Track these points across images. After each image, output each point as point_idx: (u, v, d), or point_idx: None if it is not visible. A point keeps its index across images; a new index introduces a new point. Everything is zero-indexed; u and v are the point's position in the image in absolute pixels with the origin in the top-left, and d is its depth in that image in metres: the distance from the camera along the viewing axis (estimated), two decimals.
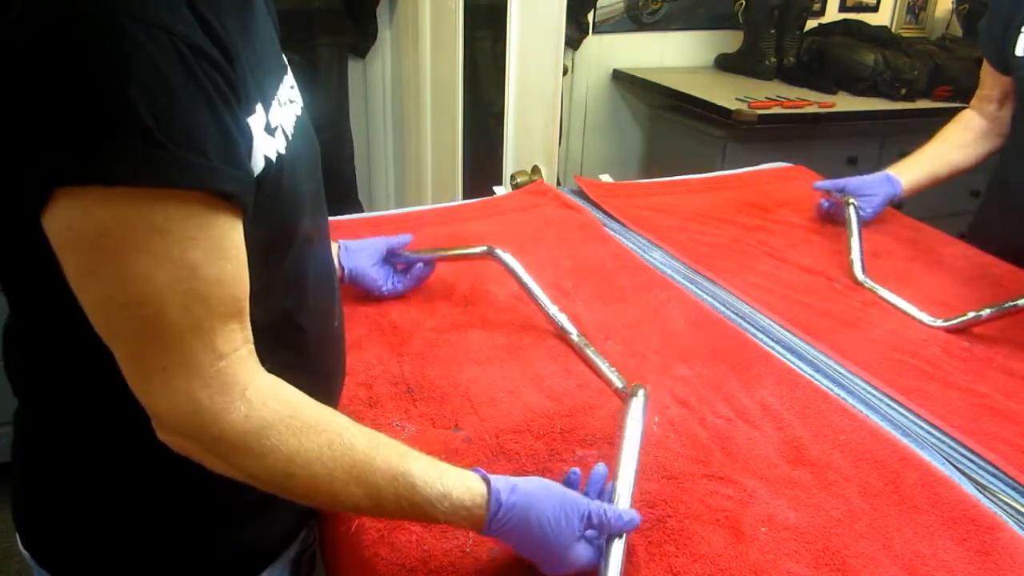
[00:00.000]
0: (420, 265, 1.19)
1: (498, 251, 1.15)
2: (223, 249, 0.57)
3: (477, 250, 1.16)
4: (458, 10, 1.93)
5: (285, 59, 0.76)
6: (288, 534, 0.81)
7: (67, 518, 0.72)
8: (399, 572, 0.73)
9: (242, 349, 0.60)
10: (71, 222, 0.53)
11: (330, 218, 0.85)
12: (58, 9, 0.50)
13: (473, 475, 0.68)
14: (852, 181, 1.48)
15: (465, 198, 1.76)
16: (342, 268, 1.12)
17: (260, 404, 0.60)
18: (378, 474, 0.64)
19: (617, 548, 0.70)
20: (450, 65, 2.03)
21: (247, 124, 0.59)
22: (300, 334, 0.75)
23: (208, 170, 0.54)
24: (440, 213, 1.52)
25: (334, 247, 1.11)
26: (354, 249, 1.14)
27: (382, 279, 1.16)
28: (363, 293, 1.15)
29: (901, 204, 1.71)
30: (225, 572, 0.76)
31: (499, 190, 1.72)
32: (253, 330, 0.70)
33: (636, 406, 0.88)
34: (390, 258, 1.18)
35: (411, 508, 0.65)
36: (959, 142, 1.49)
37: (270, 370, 0.64)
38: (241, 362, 0.60)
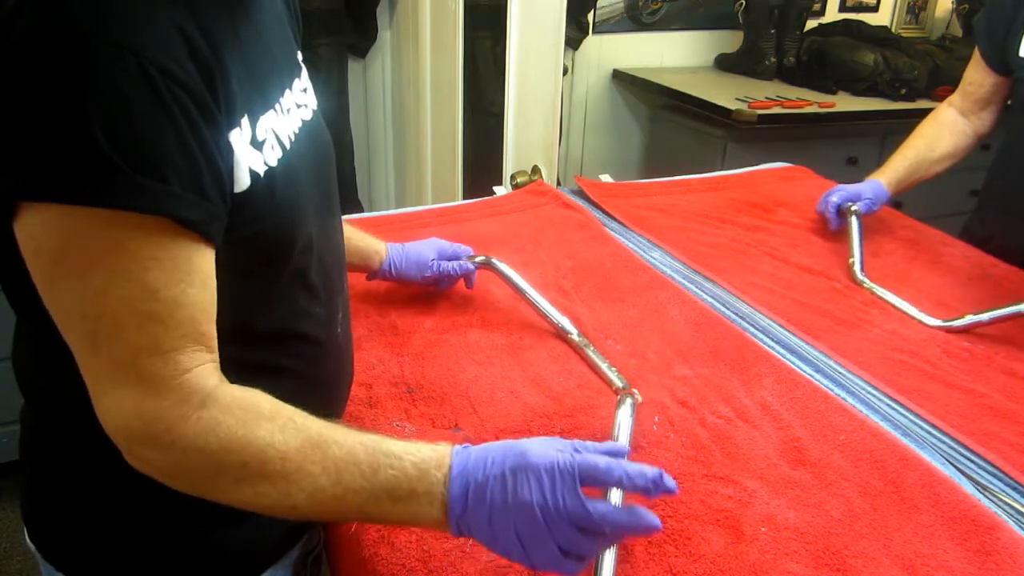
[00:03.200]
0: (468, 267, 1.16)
1: (495, 261, 1.15)
2: (184, 273, 0.57)
3: (475, 260, 1.16)
4: (458, 10, 1.93)
5: (300, 59, 0.75)
6: (291, 535, 0.81)
7: (73, 514, 0.73)
8: (399, 572, 0.73)
9: (206, 365, 0.59)
10: (34, 233, 0.54)
11: None
12: (33, 28, 0.52)
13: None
14: (848, 190, 1.47)
15: (465, 198, 1.76)
16: (389, 270, 1.11)
17: (214, 406, 0.59)
18: (335, 446, 0.60)
19: (609, 553, 0.70)
20: (450, 65, 2.03)
21: (227, 142, 0.59)
22: (303, 341, 0.75)
23: (168, 196, 0.54)
24: (440, 213, 1.52)
25: (384, 248, 1.11)
26: (408, 259, 1.13)
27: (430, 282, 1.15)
28: (363, 292, 1.15)
29: (901, 204, 1.72)
30: (227, 571, 0.76)
31: (499, 190, 1.72)
32: (255, 339, 0.70)
33: (624, 415, 0.88)
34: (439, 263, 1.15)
35: (373, 475, 0.60)
36: (941, 146, 1.48)
37: (272, 378, 0.64)
38: (205, 376, 0.59)
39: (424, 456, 0.61)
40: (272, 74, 0.68)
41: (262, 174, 0.62)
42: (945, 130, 1.48)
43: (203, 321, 0.59)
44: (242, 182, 0.61)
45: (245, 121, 0.61)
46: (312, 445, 0.60)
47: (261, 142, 0.63)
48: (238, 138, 0.60)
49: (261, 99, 0.65)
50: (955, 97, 1.50)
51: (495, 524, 0.59)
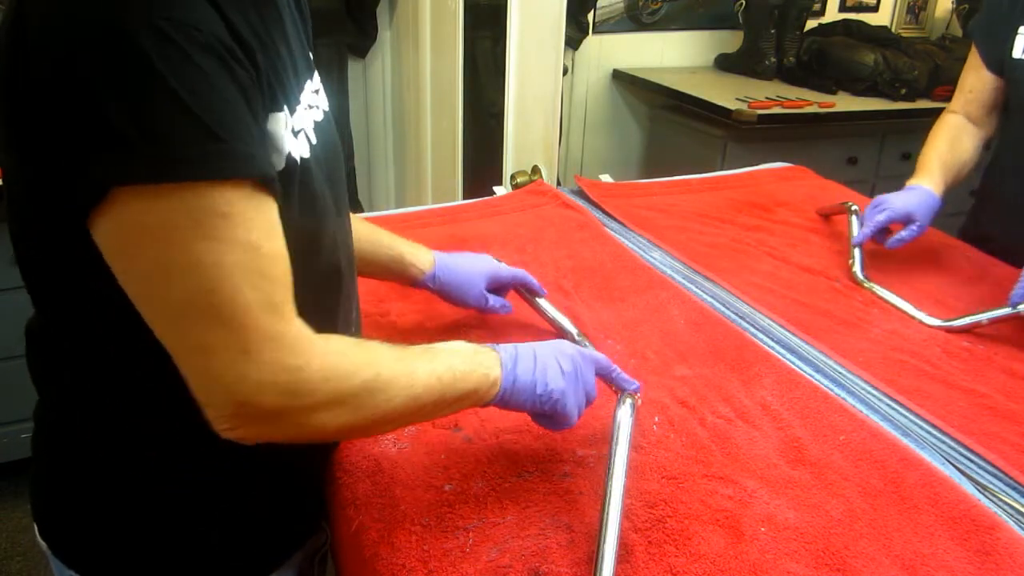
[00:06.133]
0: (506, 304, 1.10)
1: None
2: (274, 228, 0.59)
3: None
4: (458, 10, 1.93)
5: (312, 60, 0.76)
6: (298, 536, 0.81)
7: (86, 512, 0.73)
8: (399, 572, 0.73)
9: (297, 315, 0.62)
10: (133, 219, 0.54)
11: None
12: (91, 16, 0.51)
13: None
14: (896, 207, 1.31)
15: (465, 198, 1.76)
16: (431, 284, 1.04)
17: (326, 341, 0.63)
18: (420, 357, 0.71)
19: (611, 548, 0.71)
20: (450, 65, 2.03)
21: (269, 119, 0.61)
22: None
23: (254, 158, 0.56)
24: (440, 213, 1.52)
25: (431, 259, 1.04)
26: (456, 279, 1.05)
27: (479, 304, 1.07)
28: (363, 292, 1.15)
29: None
30: (238, 569, 0.76)
31: (499, 190, 1.72)
32: None
33: (624, 415, 0.88)
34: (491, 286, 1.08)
35: (448, 355, 0.73)
36: (963, 147, 1.42)
37: None
38: (302, 323, 0.61)
39: (463, 345, 0.76)
40: (295, 70, 0.69)
41: (298, 161, 0.64)
42: (964, 132, 1.42)
43: (289, 269, 0.61)
44: (279, 163, 0.62)
45: (285, 108, 0.63)
46: (407, 354, 0.70)
47: (298, 131, 0.65)
48: (279, 121, 0.62)
49: (288, 92, 0.66)
50: (956, 105, 1.46)
51: (540, 358, 0.78)
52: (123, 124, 0.51)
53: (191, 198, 0.53)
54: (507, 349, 0.77)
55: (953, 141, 1.42)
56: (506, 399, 0.75)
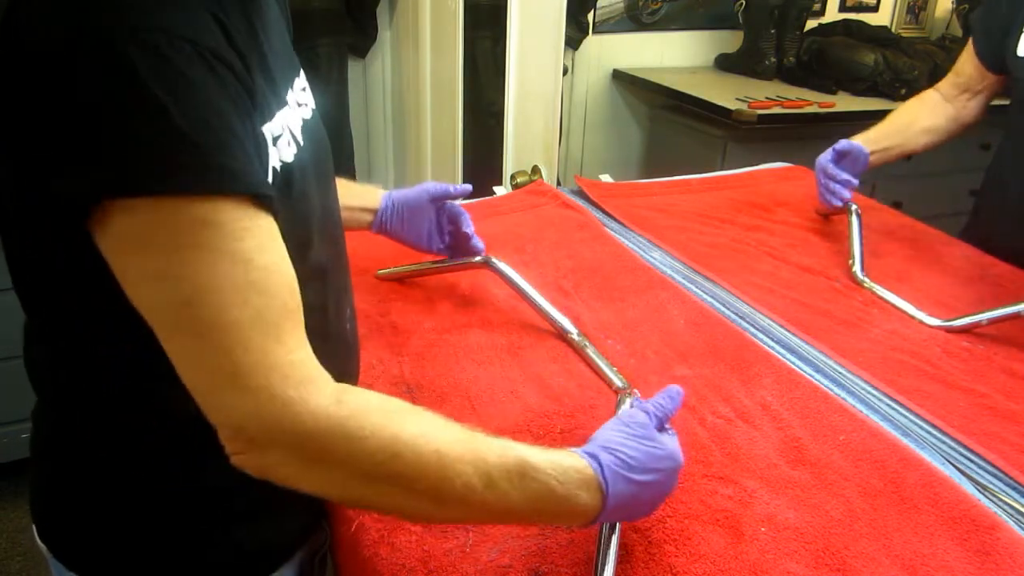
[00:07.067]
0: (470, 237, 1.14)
1: (494, 260, 1.15)
2: (270, 242, 0.57)
3: (475, 259, 1.16)
4: (458, 10, 1.93)
5: (297, 59, 0.76)
6: (299, 536, 0.81)
7: (87, 513, 0.73)
8: (399, 572, 0.73)
9: (308, 347, 0.58)
10: (124, 228, 0.53)
11: None
12: (83, 24, 0.51)
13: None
14: (838, 144, 1.46)
15: (465, 198, 1.76)
16: (382, 225, 1.09)
17: (346, 391, 0.58)
18: (484, 445, 0.61)
19: (611, 548, 0.71)
20: (450, 65, 2.03)
21: (262, 130, 0.60)
22: (315, 337, 0.75)
23: (248, 174, 0.55)
24: None
25: (379, 195, 1.09)
26: (403, 219, 1.10)
27: (425, 239, 1.12)
28: (363, 292, 1.15)
29: (900, 204, 1.72)
30: (240, 570, 0.76)
31: (499, 190, 1.72)
32: None
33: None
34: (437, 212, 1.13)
35: (521, 480, 0.60)
36: (921, 119, 1.50)
37: None
38: (314, 360, 0.58)
39: (556, 457, 0.64)
40: (282, 70, 0.69)
41: (279, 169, 0.63)
42: (926, 107, 1.52)
43: (294, 288, 0.58)
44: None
45: (276, 115, 0.63)
46: (463, 439, 0.60)
47: (277, 137, 0.64)
48: (269, 131, 0.61)
49: (276, 94, 0.66)
50: (942, 83, 1.53)
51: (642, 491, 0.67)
52: (111, 136, 0.51)
53: (181, 211, 0.52)
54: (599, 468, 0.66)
55: (912, 112, 1.52)
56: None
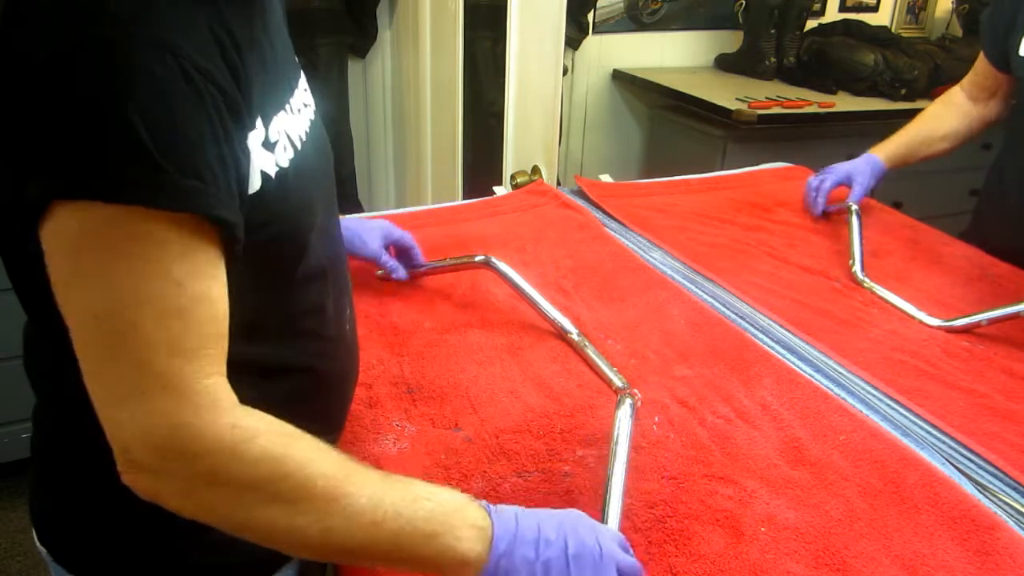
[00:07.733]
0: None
1: (494, 261, 1.15)
2: (212, 269, 0.56)
3: (475, 259, 1.16)
4: (458, 10, 1.93)
5: (297, 62, 0.76)
6: None
7: (86, 515, 0.73)
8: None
9: (224, 377, 0.58)
10: (62, 230, 0.53)
11: None
12: (71, 29, 0.51)
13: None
14: (838, 171, 1.51)
15: (465, 198, 1.76)
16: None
17: (246, 415, 0.57)
18: (372, 476, 0.61)
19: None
20: (450, 65, 2.03)
21: (246, 144, 0.59)
22: (315, 338, 0.75)
23: (204, 195, 0.54)
24: (440, 213, 1.52)
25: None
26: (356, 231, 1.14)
27: (382, 257, 1.15)
28: (363, 293, 1.15)
29: (900, 204, 1.72)
30: (241, 572, 0.76)
31: (499, 190, 1.72)
32: (267, 337, 0.70)
33: (624, 415, 0.88)
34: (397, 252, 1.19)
35: (411, 503, 0.60)
36: (944, 125, 1.51)
37: (285, 375, 0.63)
38: (225, 385, 0.57)
39: (453, 494, 0.62)
40: (283, 74, 0.69)
41: (273, 175, 0.63)
42: (951, 111, 1.52)
43: (223, 323, 0.57)
44: (254, 184, 0.61)
45: (259, 122, 0.62)
46: (351, 466, 0.60)
47: (274, 143, 0.64)
48: (253, 139, 0.60)
49: (275, 99, 0.65)
50: (966, 81, 1.53)
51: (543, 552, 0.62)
52: (76, 138, 0.51)
53: (127, 221, 0.52)
54: (502, 517, 0.63)
55: (937, 119, 1.53)
56: None
